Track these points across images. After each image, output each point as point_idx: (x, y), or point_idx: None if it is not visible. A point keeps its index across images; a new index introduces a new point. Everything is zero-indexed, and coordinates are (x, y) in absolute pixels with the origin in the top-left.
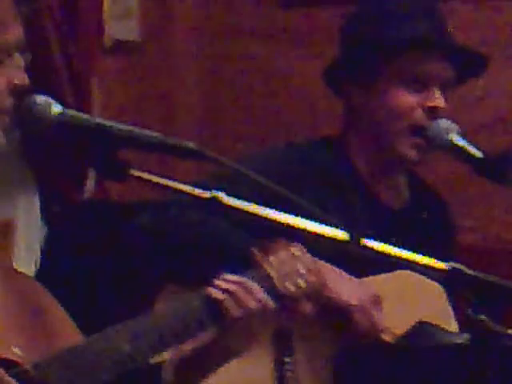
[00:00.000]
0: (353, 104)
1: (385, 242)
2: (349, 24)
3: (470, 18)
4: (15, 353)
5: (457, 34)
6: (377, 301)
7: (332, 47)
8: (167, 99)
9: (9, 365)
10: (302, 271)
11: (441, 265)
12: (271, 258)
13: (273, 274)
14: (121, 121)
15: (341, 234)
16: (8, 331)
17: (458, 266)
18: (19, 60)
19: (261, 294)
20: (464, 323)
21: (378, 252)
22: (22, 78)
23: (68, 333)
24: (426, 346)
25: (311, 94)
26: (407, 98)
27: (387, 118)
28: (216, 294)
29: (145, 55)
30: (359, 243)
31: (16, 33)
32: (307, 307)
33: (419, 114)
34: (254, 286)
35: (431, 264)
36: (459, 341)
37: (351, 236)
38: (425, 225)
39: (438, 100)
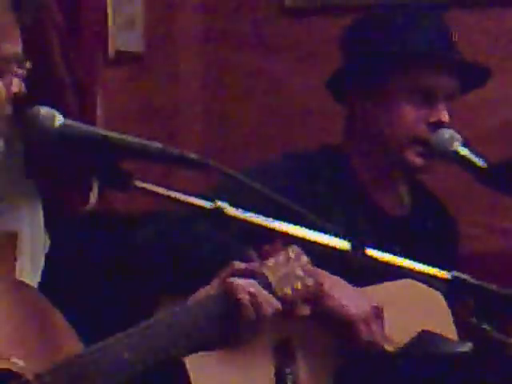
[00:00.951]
0: (356, 113)
1: (387, 251)
2: (353, 32)
3: (475, 26)
4: (16, 364)
5: (462, 41)
6: (378, 311)
7: (337, 57)
8: (171, 110)
9: (10, 376)
10: (299, 273)
11: (444, 274)
12: (268, 262)
13: (270, 277)
14: (124, 132)
15: (343, 244)
16: (9, 342)
17: (460, 275)
18: (18, 70)
19: (273, 299)
20: (466, 332)
21: (380, 261)
22: (19, 87)
23: (70, 343)
24: (429, 355)
25: (315, 103)
26: (412, 112)
27: (391, 129)
28: (242, 295)
29: (148, 66)
30: (362, 252)
31: (15, 44)
32: (304, 310)
33: (423, 128)
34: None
35: (434, 273)
36: (462, 350)
37: (353, 245)
38: (427, 233)
39: (442, 114)
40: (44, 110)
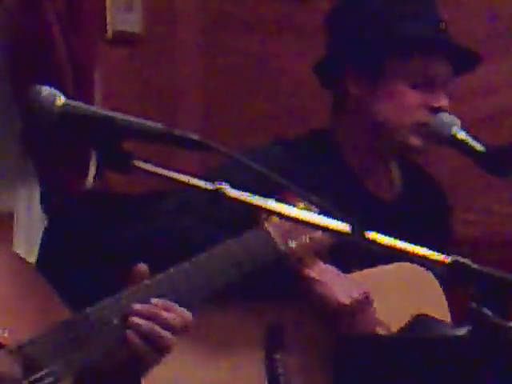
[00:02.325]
0: (348, 97)
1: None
2: (345, 13)
3: (474, 9)
4: (0, 334)
5: (460, 25)
6: (368, 298)
7: None
8: (169, 91)
9: None
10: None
11: (443, 257)
12: (273, 217)
13: (274, 232)
14: (122, 112)
15: (342, 226)
16: None
17: (460, 258)
18: None
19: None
20: (466, 316)
21: (380, 245)
22: None
23: (58, 314)
24: (425, 339)
25: (316, 87)
26: (412, 97)
27: (391, 114)
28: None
29: (147, 47)
30: (362, 236)
31: None
32: (313, 262)
33: (423, 112)
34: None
35: (434, 257)
36: (459, 333)
37: (353, 228)
38: (419, 215)
39: (442, 100)
40: (45, 90)
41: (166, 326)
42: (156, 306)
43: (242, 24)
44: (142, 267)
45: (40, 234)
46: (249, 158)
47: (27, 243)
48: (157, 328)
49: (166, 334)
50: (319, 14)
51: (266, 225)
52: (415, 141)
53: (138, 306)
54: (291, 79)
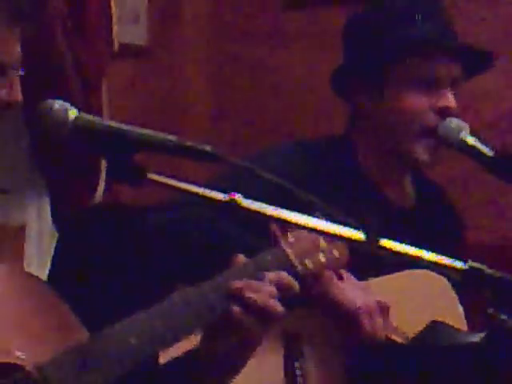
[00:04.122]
0: (360, 107)
1: (398, 241)
2: (353, 26)
3: (479, 14)
4: (18, 357)
5: (466, 30)
6: (383, 306)
7: (341, 49)
8: (175, 102)
9: (11, 369)
10: (323, 245)
11: (459, 264)
12: (289, 235)
13: (290, 252)
14: (129, 124)
15: (356, 234)
16: (13, 333)
17: (476, 265)
18: (13, 79)
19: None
20: (483, 323)
21: (395, 252)
22: (13, 96)
23: (77, 335)
24: (441, 346)
25: (322, 94)
26: (418, 101)
27: (398, 121)
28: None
29: (153, 59)
30: (376, 243)
31: (11, 52)
32: (330, 279)
33: (431, 115)
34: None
35: (450, 264)
36: (474, 340)
37: (368, 236)
38: (432, 224)
39: (448, 100)
40: (57, 103)
41: (271, 295)
42: (253, 282)
43: (248, 34)
44: (242, 257)
45: (51, 248)
46: (264, 159)
47: (39, 257)
48: (263, 297)
49: (273, 301)
50: (325, 23)
51: (282, 243)
52: (420, 152)
53: (238, 283)
54: (297, 88)
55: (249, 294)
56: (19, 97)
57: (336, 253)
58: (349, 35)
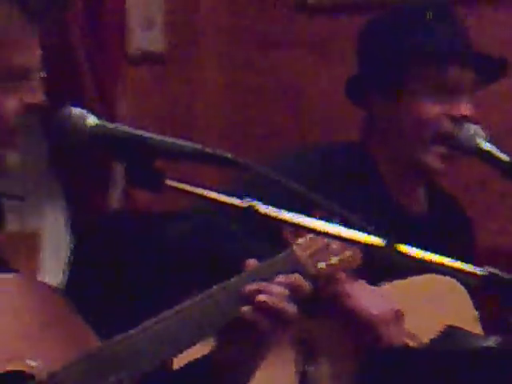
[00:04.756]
0: (376, 114)
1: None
2: (368, 33)
3: (491, 19)
4: (30, 365)
5: (478, 35)
6: (398, 313)
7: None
8: (191, 110)
9: (23, 377)
10: (334, 247)
11: (476, 270)
12: (300, 237)
13: (302, 254)
14: (144, 130)
15: (375, 240)
16: (25, 342)
17: (492, 270)
18: (35, 81)
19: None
20: (500, 328)
21: (413, 258)
22: (35, 98)
23: (89, 343)
24: (457, 351)
25: (338, 102)
26: (433, 108)
27: (413, 127)
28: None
29: (168, 65)
30: (396, 249)
31: (33, 55)
32: (343, 281)
33: (446, 122)
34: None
35: (467, 269)
36: (490, 344)
37: (387, 242)
38: (444, 231)
39: (464, 108)
40: (76, 110)
41: (283, 296)
42: (264, 284)
43: (263, 41)
44: (253, 261)
45: (67, 255)
46: (280, 164)
47: (54, 263)
48: (275, 299)
49: (285, 303)
50: (340, 29)
51: (294, 247)
52: (437, 164)
53: (249, 286)
54: (312, 95)
55: (260, 297)
56: (44, 99)
57: (348, 254)
58: (364, 43)
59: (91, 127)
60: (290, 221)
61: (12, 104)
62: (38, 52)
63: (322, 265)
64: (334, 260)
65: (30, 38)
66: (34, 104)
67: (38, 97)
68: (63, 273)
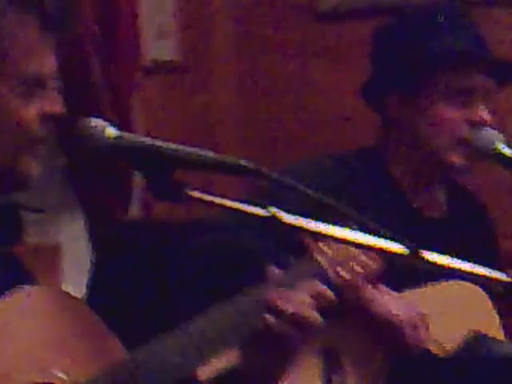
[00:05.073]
0: (392, 117)
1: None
2: (384, 36)
3: (507, 22)
4: (58, 377)
5: (494, 38)
6: (424, 318)
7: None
8: (206, 118)
9: None
10: (358, 255)
11: (502, 276)
12: (324, 246)
13: (325, 263)
14: (160, 139)
15: (397, 248)
16: (52, 353)
17: None
18: (53, 90)
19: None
20: None
21: (437, 264)
22: (55, 107)
23: (115, 354)
24: (484, 358)
25: (350, 107)
26: (452, 113)
27: (433, 132)
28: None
29: (184, 74)
30: (419, 256)
31: (48, 63)
32: (366, 287)
33: (464, 127)
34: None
35: (493, 276)
36: None
37: (410, 249)
38: (464, 234)
39: (482, 113)
40: (96, 122)
41: (307, 304)
42: (288, 293)
43: (277, 47)
44: (275, 269)
45: (88, 266)
46: (298, 172)
47: (75, 275)
48: (298, 307)
49: (309, 310)
50: (357, 36)
51: (316, 255)
52: (456, 159)
53: (273, 295)
54: (329, 101)
55: (283, 305)
56: (62, 108)
57: (370, 261)
58: (379, 46)
59: (112, 138)
60: (313, 230)
61: (32, 113)
62: (53, 60)
63: (344, 272)
64: (357, 268)
65: (46, 46)
66: (53, 113)
67: (58, 106)
68: (84, 284)
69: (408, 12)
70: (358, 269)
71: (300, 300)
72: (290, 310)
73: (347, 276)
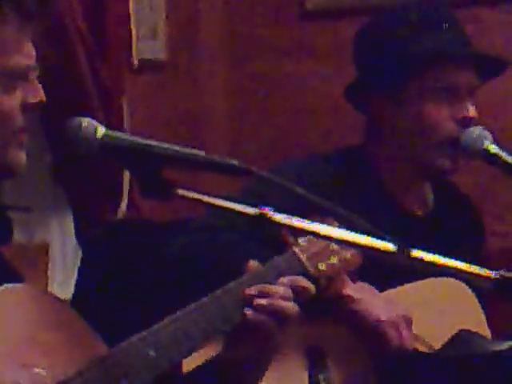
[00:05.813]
0: (378, 117)
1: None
2: (367, 36)
3: (494, 22)
4: (38, 374)
5: (480, 37)
6: (406, 318)
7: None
8: (194, 118)
9: None
10: (335, 247)
11: (489, 273)
12: (300, 238)
13: (302, 255)
14: (149, 138)
15: (386, 246)
16: (33, 352)
17: (507, 273)
18: (34, 81)
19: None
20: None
21: (425, 262)
22: (37, 97)
23: (97, 352)
24: (469, 355)
25: (340, 106)
26: (439, 111)
27: (420, 131)
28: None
29: (172, 74)
30: (407, 254)
31: (29, 55)
32: (345, 283)
33: (452, 126)
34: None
35: (479, 272)
36: (501, 348)
37: (399, 247)
38: (451, 232)
39: (469, 110)
40: (85, 121)
41: (285, 297)
42: (264, 287)
43: (265, 46)
44: (254, 263)
45: (75, 266)
46: (285, 171)
47: (62, 275)
48: (276, 300)
49: (286, 302)
50: (339, 37)
51: (295, 248)
52: (443, 162)
53: (250, 290)
54: (318, 101)
55: (260, 301)
56: (44, 97)
57: (348, 254)
58: (363, 46)
59: (101, 137)
60: (301, 228)
61: (15, 103)
62: (33, 50)
63: (322, 265)
64: (334, 260)
65: (25, 38)
66: (36, 103)
67: (40, 95)
68: (71, 283)
69: (389, 11)
70: (335, 261)
71: (276, 292)
72: (266, 304)
73: (325, 268)
